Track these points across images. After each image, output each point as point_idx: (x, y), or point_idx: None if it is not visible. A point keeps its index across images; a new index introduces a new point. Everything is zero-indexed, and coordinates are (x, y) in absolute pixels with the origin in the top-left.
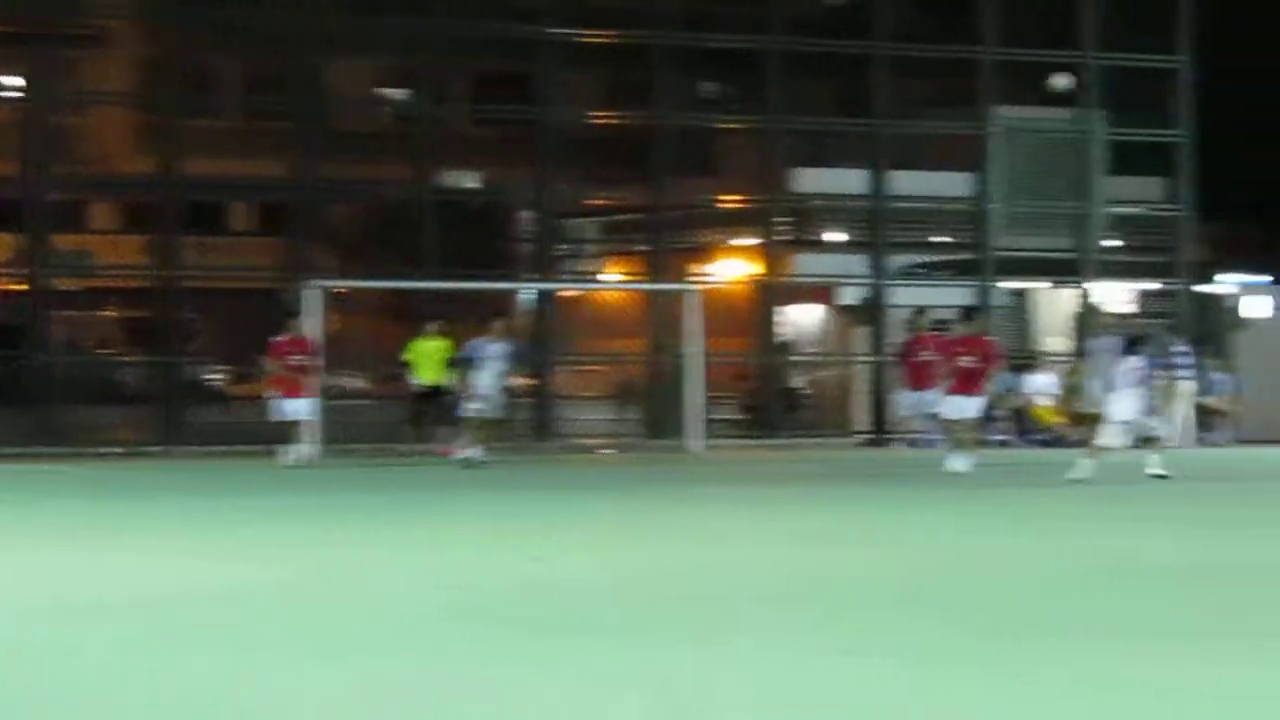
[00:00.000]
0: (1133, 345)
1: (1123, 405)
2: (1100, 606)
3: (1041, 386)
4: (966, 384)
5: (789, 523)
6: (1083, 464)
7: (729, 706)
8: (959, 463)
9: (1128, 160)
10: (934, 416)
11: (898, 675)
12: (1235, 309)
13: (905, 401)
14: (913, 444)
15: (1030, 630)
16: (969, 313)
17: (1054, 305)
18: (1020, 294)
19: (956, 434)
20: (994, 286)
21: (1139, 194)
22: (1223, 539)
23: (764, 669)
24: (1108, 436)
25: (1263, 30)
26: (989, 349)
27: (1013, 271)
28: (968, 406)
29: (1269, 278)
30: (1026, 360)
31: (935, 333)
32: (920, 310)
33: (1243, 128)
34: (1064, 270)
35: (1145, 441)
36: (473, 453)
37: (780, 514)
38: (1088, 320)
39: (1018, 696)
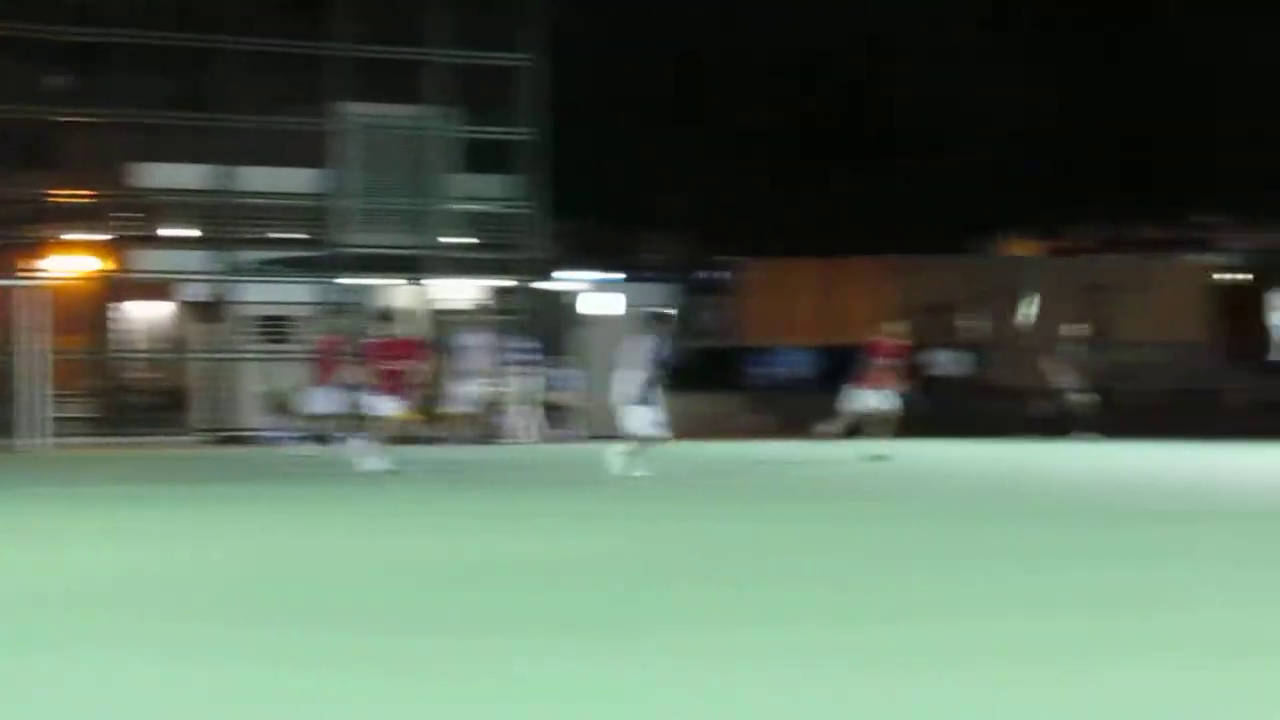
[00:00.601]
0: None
1: (630, 391)
2: (445, 604)
3: None
4: (392, 385)
5: (127, 521)
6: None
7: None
8: (372, 462)
9: (480, 158)
10: (344, 415)
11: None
12: (582, 305)
13: (317, 399)
14: (307, 441)
15: (373, 628)
16: (390, 316)
17: (403, 302)
18: (369, 290)
19: (378, 432)
20: (343, 283)
21: (490, 191)
22: (557, 533)
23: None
24: (637, 424)
25: (610, 28)
26: (416, 351)
27: (362, 268)
28: (392, 406)
29: (619, 274)
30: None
31: (348, 333)
32: (336, 309)
33: (592, 126)
34: (413, 267)
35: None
36: None
37: (119, 513)
38: (437, 318)
39: (344, 693)
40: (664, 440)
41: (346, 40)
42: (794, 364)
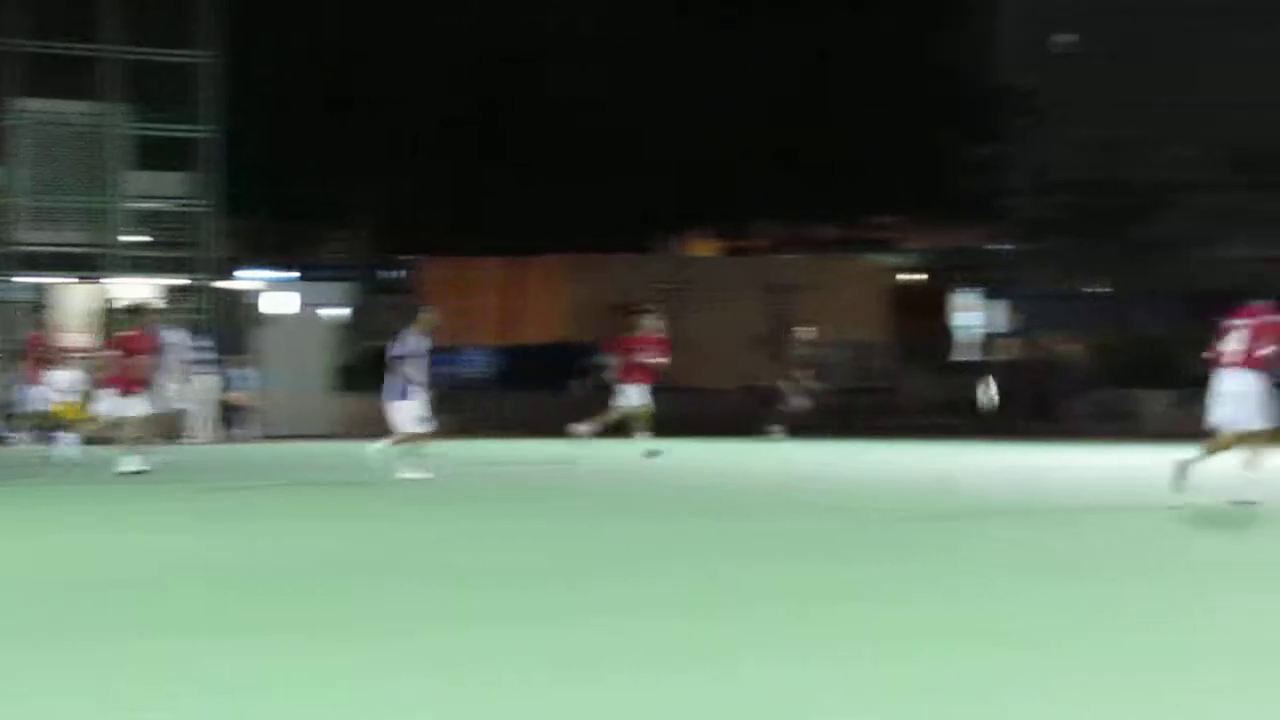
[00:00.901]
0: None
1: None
2: (144, 606)
3: (65, 384)
4: (129, 382)
5: None
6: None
7: None
8: (130, 462)
9: (157, 155)
10: (50, 413)
11: None
12: (258, 304)
13: (30, 396)
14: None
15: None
16: (133, 310)
17: (76, 301)
18: (41, 289)
19: (123, 434)
20: (14, 281)
21: (167, 189)
22: (235, 533)
23: None
24: (409, 424)
25: (287, 24)
26: (154, 344)
27: (34, 266)
28: (132, 405)
29: (294, 273)
30: (50, 357)
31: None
32: (39, 307)
33: (269, 125)
34: (86, 265)
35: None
36: None
37: None
38: (111, 316)
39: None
40: (428, 435)
41: (18, 35)
42: (475, 364)
